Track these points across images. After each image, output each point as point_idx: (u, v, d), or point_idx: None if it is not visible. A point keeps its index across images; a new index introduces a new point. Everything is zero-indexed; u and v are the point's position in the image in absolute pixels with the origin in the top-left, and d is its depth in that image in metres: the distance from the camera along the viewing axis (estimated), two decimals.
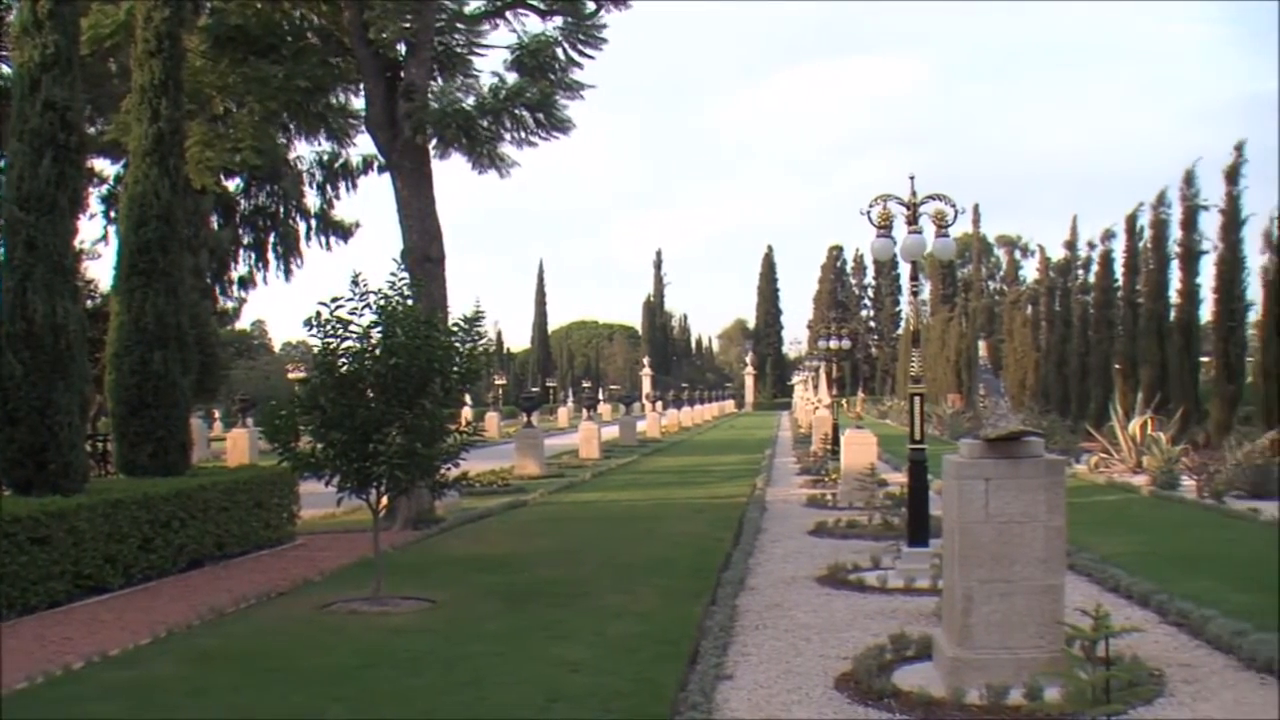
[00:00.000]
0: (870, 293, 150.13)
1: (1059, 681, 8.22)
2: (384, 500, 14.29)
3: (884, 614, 12.40)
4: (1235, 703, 8.81)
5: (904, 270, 16.99)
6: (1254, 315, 35.59)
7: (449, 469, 14.34)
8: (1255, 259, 34.85)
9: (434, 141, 22.62)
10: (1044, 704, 8.33)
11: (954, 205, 14.87)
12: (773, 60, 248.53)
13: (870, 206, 15.06)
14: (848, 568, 14.97)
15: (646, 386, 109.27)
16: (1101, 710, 7.40)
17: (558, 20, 23.92)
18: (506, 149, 23.71)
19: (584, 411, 62.24)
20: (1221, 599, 12.28)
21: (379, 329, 13.71)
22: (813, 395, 49.58)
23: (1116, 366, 45.59)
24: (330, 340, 13.75)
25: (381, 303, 13.83)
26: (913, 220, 15.00)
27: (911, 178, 15.11)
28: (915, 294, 18.12)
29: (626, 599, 13.50)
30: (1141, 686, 8.80)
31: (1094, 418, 42.39)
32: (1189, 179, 38.93)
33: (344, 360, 13.77)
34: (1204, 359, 40.37)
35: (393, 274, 14.18)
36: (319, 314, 13.72)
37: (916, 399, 15.45)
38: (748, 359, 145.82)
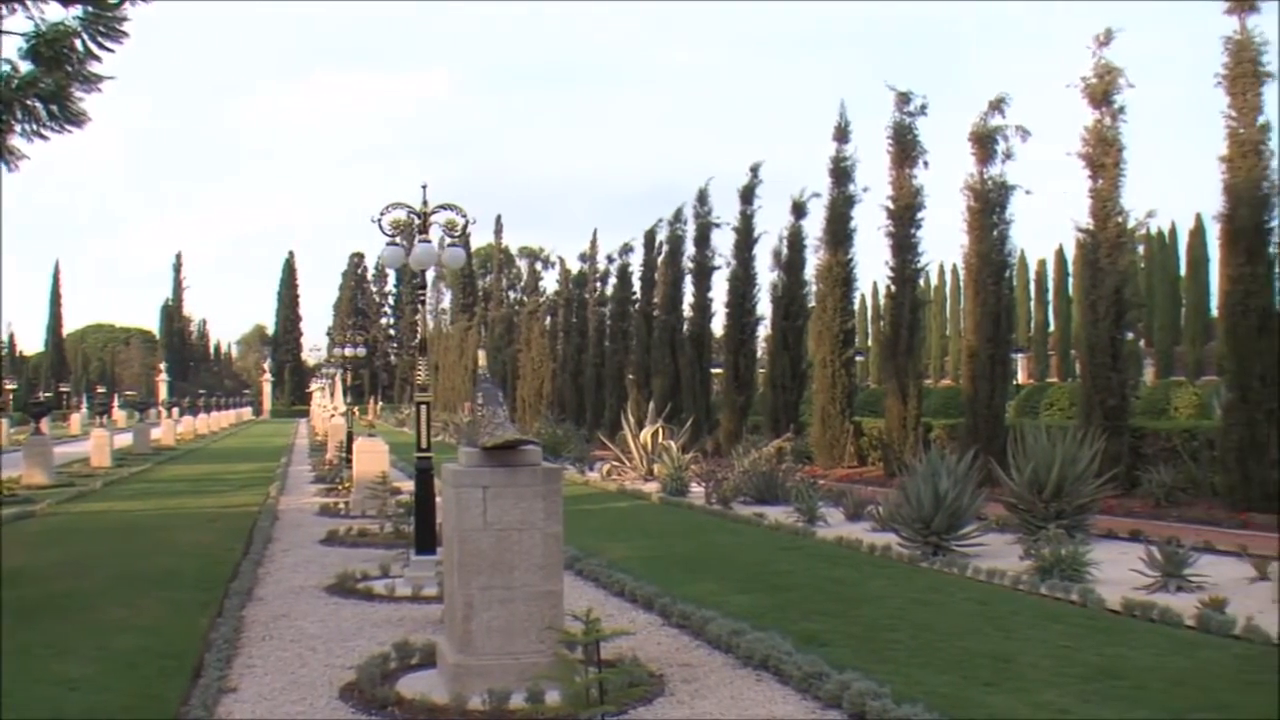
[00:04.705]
0: (392, 300, 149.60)
1: (560, 685, 8.24)
2: None
3: (391, 622, 12.12)
4: (732, 699, 9.00)
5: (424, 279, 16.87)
6: (763, 329, 37.59)
7: None
8: (766, 275, 36.80)
9: None
10: (544, 707, 8.28)
11: (465, 215, 14.70)
12: (297, 65, 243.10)
13: (381, 214, 14.62)
14: (357, 576, 14.58)
15: (163, 393, 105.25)
16: (598, 710, 7.43)
17: (79, 9, 22.40)
18: (17, 141, 22.05)
19: (97, 418, 59.00)
20: (723, 600, 12.62)
21: None
22: (330, 403, 48.77)
23: (630, 376, 46.99)
24: None
25: None
26: (424, 229, 14.72)
27: (424, 186, 14.72)
28: (423, 303, 17.97)
29: (131, 612, 12.67)
30: (640, 686, 8.90)
31: (608, 426, 43.08)
32: (702, 197, 40.65)
33: None
34: (716, 370, 42.34)
35: None
36: None
37: (423, 408, 15.26)
38: (266, 365, 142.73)
